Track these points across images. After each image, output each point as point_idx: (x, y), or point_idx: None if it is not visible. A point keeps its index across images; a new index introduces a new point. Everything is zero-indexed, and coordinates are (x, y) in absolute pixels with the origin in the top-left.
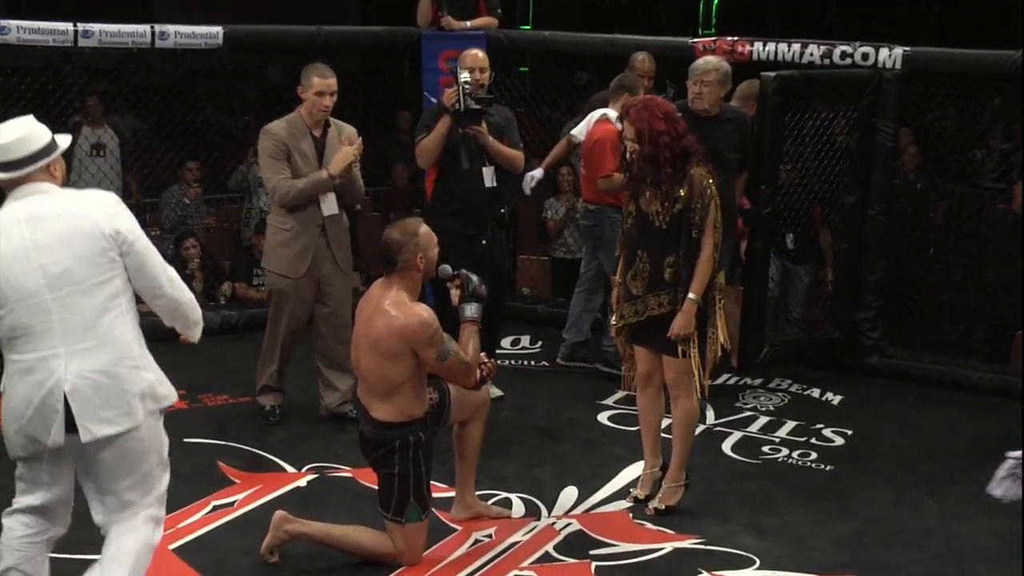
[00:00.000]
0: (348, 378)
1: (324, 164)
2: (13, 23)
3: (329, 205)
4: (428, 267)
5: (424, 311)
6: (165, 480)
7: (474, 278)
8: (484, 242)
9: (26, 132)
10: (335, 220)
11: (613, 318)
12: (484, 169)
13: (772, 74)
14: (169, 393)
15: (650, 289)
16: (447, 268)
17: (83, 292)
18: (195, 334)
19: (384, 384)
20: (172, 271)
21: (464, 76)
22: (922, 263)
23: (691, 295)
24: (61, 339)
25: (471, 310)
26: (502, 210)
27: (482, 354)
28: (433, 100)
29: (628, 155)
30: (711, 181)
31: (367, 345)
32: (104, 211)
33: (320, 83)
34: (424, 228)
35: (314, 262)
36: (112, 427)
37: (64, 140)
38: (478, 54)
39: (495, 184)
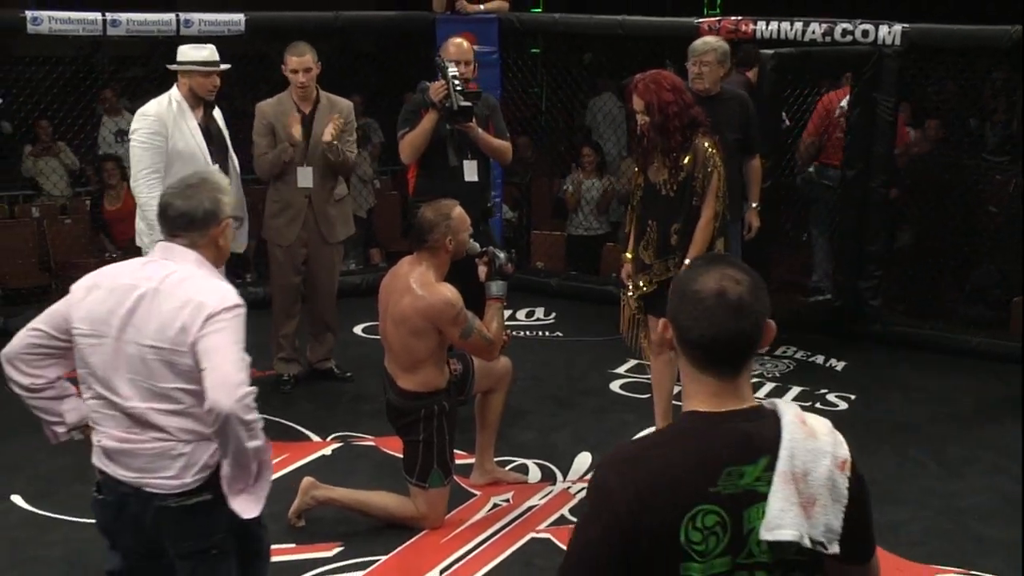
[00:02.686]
0: (331, 336)
1: (311, 137)
2: (45, 14)
3: (303, 178)
4: (457, 249)
5: (449, 291)
6: None
7: (501, 255)
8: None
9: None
10: (319, 193)
11: (626, 293)
12: (466, 163)
13: (770, 51)
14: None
15: (658, 256)
16: (475, 245)
17: None
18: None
19: (409, 357)
20: None
21: (452, 70)
22: (923, 232)
23: (687, 261)
24: None
25: (497, 288)
26: (489, 204)
27: None
28: None
29: (639, 128)
30: (715, 151)
31: (393, 321)
32: None
33: (293, 61)
34: (458, 211)
35: (303, 231)
36: None
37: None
38: (463, 44)
39: (477, 178)
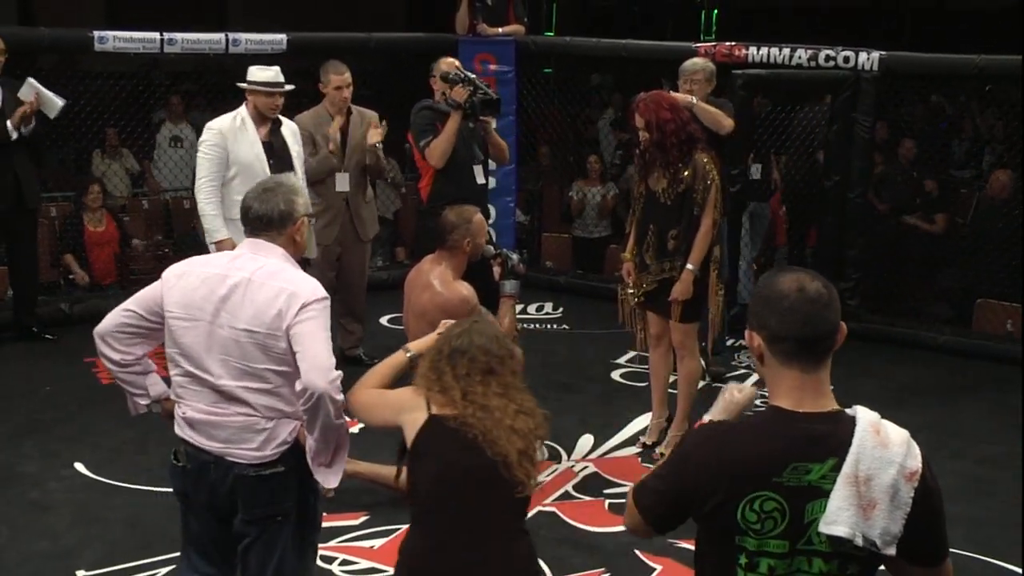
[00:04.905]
0: (359, 326)
1: (349, 148)
2: (110, 34)
3: (341, 182)
4: (474, 251)
5: (465, 289)
6: None
7: (514, 256)
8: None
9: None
10: (354, 195)
11: (625, 289)
12: (475, 167)
13: (740, 72)
14: None
15: (657, 258)
16: (490, 248)
17: None
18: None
19: None
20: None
21: (471, 75)
22: (897, 240)
23: (689, 266)
24: None
25: (510, 286)
26: (488, 205)
27: None
28: None
29: (641, 143)
30: (712, 166)
31: (414, 313)
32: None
33: (337, 79)
34: (478, 217)
35: (340, 231)
36: None
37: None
38: (454, 60)
39: (485, 180)
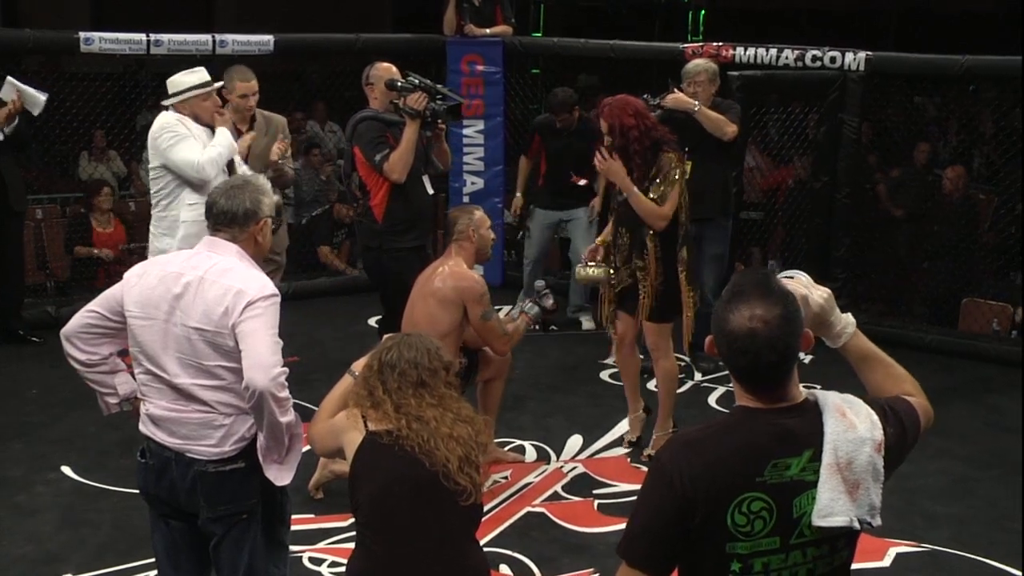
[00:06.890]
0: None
1: (251, 156)
2: (96, 35)
3: None
4: (481, 243)
5: (478, 275)
6: None
7: (551, 298)
8: (430, 252)
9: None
10: None
11: (584, 266)
12: (423, 177)
13: (736, 73)
14: None
15: (626, 262)
16: (542, 283)
17: None
18: None
19: (432, 330)
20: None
21: (425, 80)
22: (883, 240)
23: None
24: None
25: (534, 310)
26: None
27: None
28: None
29: (607, 147)
30: (678, 165)
31: (424, 294)
32: None
33: (243, 86)
34: (480, 212)
35: None
36: None
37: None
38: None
39: (432, 191)
